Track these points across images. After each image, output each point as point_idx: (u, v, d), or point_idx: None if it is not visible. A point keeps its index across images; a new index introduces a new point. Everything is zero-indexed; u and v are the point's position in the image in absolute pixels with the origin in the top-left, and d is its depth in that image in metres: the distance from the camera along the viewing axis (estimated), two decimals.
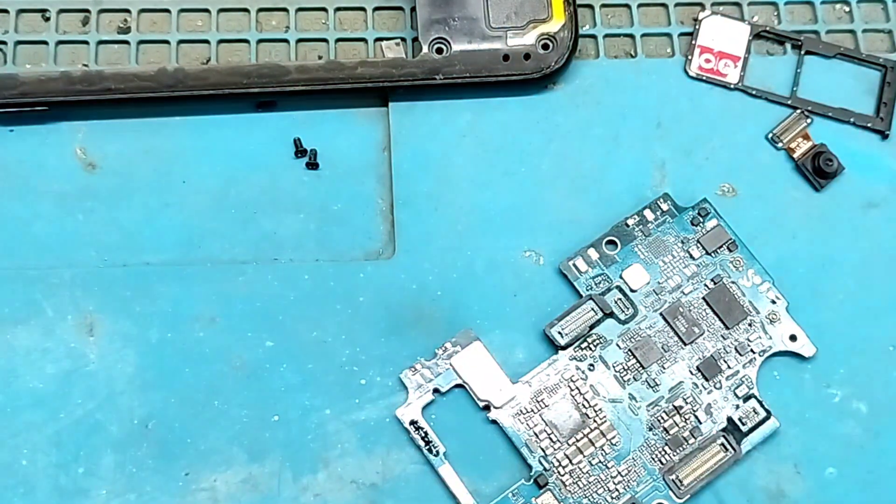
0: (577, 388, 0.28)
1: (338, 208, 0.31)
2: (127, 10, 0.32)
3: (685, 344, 0.29)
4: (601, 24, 0.33)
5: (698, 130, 0.32)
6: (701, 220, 0.30)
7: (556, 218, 0.31)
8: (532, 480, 0.27)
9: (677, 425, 0.28)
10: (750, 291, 0.29)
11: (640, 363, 0.28)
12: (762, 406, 0.28)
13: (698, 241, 0.30)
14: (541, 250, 0.30)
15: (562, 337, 0.28)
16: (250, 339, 0.29)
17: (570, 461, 0.28)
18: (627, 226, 0.30)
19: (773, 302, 0.29)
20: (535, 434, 0.28)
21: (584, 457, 0.28)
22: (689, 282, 0.29)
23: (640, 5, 0.34)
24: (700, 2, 0.33)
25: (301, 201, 0.31)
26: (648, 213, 0.30)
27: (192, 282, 0.29)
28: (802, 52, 0.33)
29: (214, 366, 0.29)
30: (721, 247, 0.30)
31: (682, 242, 0.30)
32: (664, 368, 0.29)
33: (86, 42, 0.32)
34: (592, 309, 0.29)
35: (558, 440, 0.28)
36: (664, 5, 0.34)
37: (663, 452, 0.28)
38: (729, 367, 0.29)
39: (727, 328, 0.29)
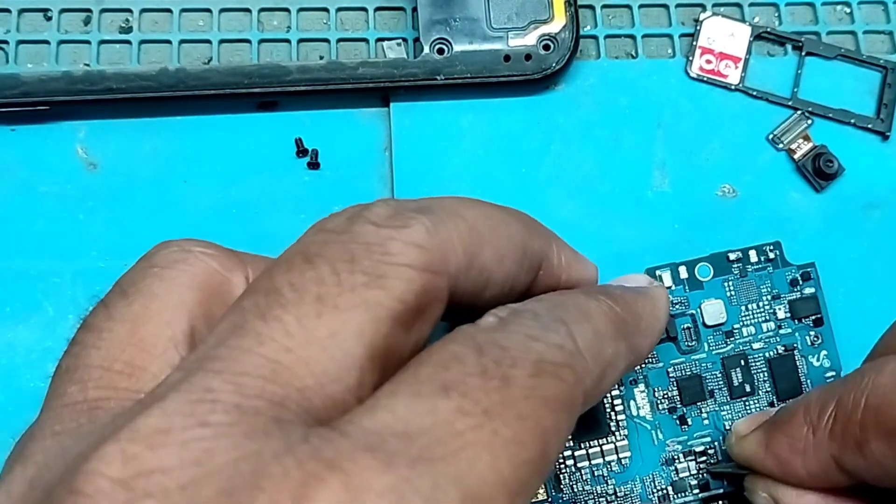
0: (609, 394, 0.28)
1: (339, 208, 0.31)
2: (128, 10, 0.32)
3: (732, 398, 0.28)
4: (602, 24, 0.33)
5: (699, 131, 0.32)
6: (800, 283, 0.29)
7: (557, 218, 0.31)
8: None
9: (689, 471, 0.27)
10: (815, 373, 0.28)
11: (680, 398, 0.28)
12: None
13: (789, 304, 0.29)
14: None
15: None
16: None
17: (575, 463, 0.27)
18: (728, 259, 0.29)
19: None
20: None
21: (590, 464, 0.27)
22: (762, 338, 0.28)
23: (641, 6, 0.34)
24: (701, 3, 0.33)
25: (302, 201, 0.31)
26: (753, 255, 0.29)
27: None
28: (803, 54, 0.33)
29: None
30: (808, 317, 0.28)
31: (773, 298, 0.29)
32: (701, 412, 0.28)
33: (87, 41, 0.32)
34: None
35: (572, 437, 0.27)
36: (665, 6, 0.34)
37: (664, 491, 0.27)
38: None
39: (778, 399, 0.28)
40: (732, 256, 0.29)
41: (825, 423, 0.22)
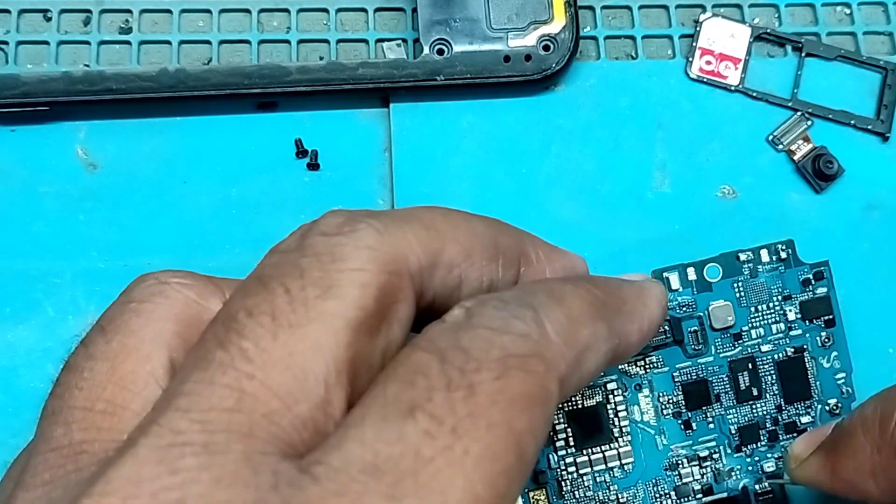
0: (613, 400, 0.27)
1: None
2: (128, 11, 0.32)
3: (738, 402, 0.27)
4: (602, 25, 0.33)
5: (699, 132, 0.32)
6: (813, 282, 0.28)
7: (557, 219, 0.31)
8: (532, 473, 0.27)
9: (693, 476, 0.27)
10: (825, 374, 0.28)
11: (686, 402, 0.27)
12: (783, 490, 0.27)
13: (800, 304, 0.28)
14: None
15: None
16: None
17: (577, 470, 0.27)
18: (738, 259, 0.28)
19: (843, 395, 0.28)
20: (555, 429, 0.27)
21: (592, 471, 0.27)
22: (771, 340, 0.28)
23: (640, 7, 0.34)
24: (701, 4, 0.34)
25: (302, 202, 0.31)
26: (764, 254, 0.28)
27: None
28: (803, 55, 0.33)
29: None
30: (819, 318, 0.28)
31: (784, 299, 0.28)
32: (707, 417, 0.27)
33: (87, 42, 0.32)
34: (665, 330, 0.27)
35: (574, 444, 0.27)
36: (665, 7, 0.34)
37: (668, 496, 0.27)
38: (770, 441, 0.27)
39: (786, 402, 0.27)
40: (743, 257, 0.28)
41: (889, 440, 0.21)
